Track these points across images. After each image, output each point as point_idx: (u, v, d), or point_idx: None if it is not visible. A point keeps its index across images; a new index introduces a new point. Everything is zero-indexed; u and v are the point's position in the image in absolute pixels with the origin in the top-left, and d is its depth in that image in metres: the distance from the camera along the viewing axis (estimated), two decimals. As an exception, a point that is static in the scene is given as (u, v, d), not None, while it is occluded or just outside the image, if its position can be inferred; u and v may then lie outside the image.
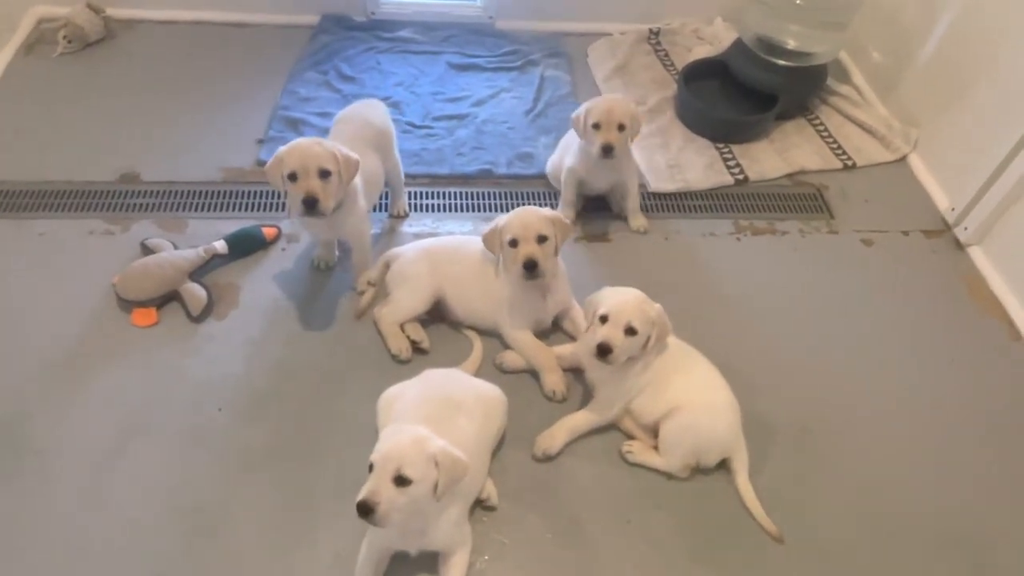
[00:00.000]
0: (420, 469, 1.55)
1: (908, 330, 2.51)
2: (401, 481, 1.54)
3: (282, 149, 2.09)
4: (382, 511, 1.51)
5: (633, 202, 2.73)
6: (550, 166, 2.86)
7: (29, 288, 2.39)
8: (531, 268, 2.11)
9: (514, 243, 2.14)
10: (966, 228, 2.75)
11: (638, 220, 2.75)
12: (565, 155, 2.68)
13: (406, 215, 2.74)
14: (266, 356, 2.27)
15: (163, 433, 2.07)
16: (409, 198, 2.79)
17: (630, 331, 1.94)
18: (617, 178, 2.66)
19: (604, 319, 1.95)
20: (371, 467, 1.56)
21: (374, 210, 2.66)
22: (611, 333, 1.93)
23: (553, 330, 2.39)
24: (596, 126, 2.46)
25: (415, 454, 1.56)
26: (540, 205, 2.77)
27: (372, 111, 2.52)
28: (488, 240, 2.22)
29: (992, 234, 2.70)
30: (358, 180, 2.27)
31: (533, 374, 2.26)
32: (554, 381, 2.21)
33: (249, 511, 1.93)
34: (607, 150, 2.45)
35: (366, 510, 1.51)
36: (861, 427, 2.22)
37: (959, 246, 2.78)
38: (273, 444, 2.07)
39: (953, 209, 2.81)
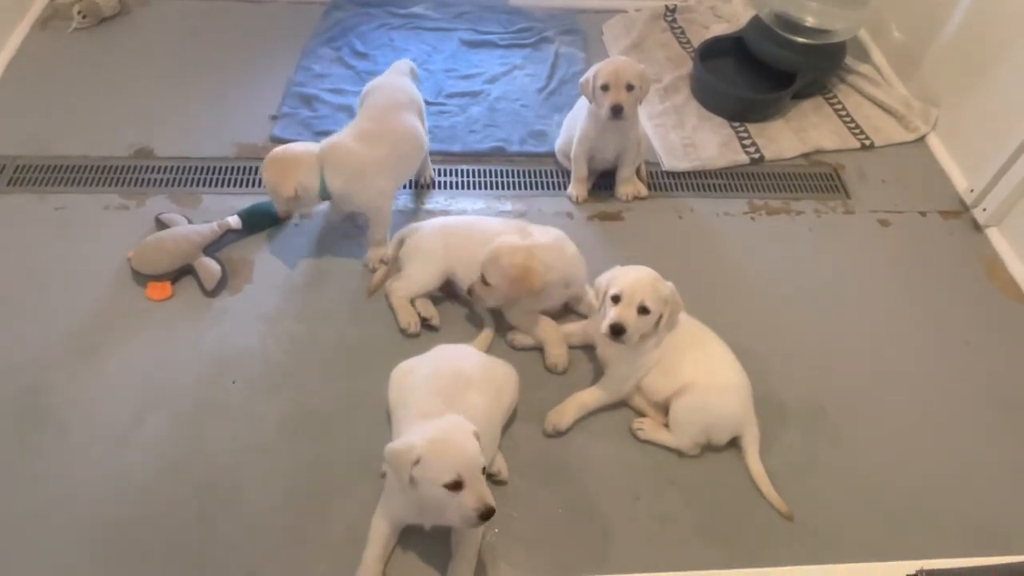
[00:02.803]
0: (486, 453, 1.66)
1: (924, 311, 2.48)
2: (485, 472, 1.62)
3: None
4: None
5: (628, 170, 2.71)
6: (558, 147, 2.85)
7: (46, 262, 2.41)
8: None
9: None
10: (985, 209, 2.72)
11: (625, 187, 2.73)
12: (572, 132, 2.67)
13: (433, 182, 2.74)
14: (279, 330, 2.29)
15: (178, 405, 2.10)
16: (422, 175, 2.79)
17: (643, 310, 1.94)
18: (624, 145, 2.64)
19: (616, 299, 1.95)
20: (457, 484, 1.56)
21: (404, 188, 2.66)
22: (624, 313, 1.93)
23: (565, 312, 2.38)
24: (605, 88, 2.45)
25: (475, 446, 1.61)
26: (552, 183, 2.81)
27: (402, 79, 2.53)
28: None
29: (1011, 215, 2.66)
30: (379, 152, 2.31)
31: (543, 352, 2.26)
32: (559, 355, 2.21)
33: (262, 483, 1.96)
34: (616, 110, 2.45)
35: (490, 514, 1.57)
36: (875, 408, 2.21)
37: (977, 227, 2.75)
38: (286, 417, 2.09)
39: (972, 190, 2.77)
